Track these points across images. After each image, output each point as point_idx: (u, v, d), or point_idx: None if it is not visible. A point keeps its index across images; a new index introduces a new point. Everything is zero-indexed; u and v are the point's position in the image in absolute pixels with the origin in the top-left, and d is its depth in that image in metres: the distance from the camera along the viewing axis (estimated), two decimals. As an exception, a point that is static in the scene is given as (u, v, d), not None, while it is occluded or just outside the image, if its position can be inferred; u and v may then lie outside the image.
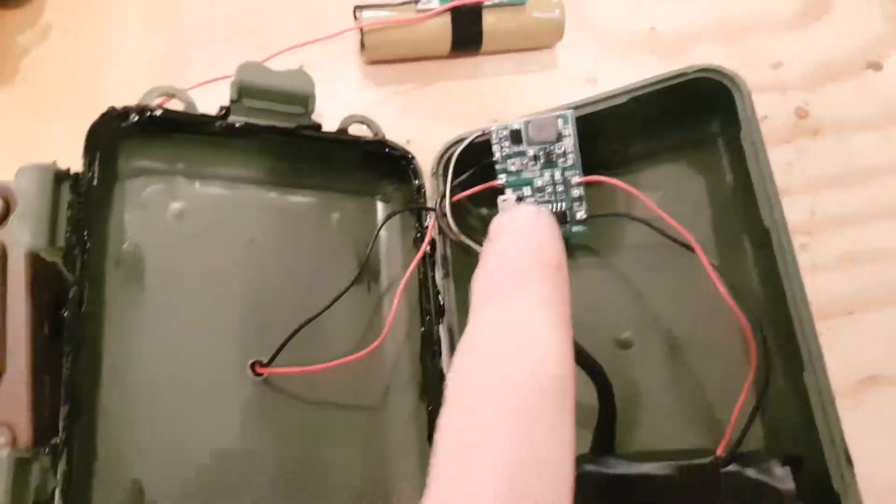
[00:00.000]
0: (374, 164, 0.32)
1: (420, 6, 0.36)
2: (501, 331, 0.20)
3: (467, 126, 0.32)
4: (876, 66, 0.40)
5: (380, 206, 0.33)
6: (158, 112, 0.28)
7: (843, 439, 0.23)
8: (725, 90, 0.28)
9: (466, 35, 0.37)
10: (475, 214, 0.33)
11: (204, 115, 0.29)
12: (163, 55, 0.38)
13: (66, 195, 0.26)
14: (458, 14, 0.36)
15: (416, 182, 0.32)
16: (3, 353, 0.24)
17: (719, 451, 0.24)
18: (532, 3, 0.37)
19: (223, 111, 0.29)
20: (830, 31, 0.41)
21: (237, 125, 0.29)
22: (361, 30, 0.36)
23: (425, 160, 0.32)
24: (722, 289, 0.25)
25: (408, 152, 0.32)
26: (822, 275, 0.35)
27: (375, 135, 0.32)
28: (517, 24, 0.37)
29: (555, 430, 0.18)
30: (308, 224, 0.31)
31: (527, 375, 0.19)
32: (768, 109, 0.38)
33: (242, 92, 0.29)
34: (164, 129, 0.29)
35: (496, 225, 0.25)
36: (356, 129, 0.32)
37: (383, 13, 0.36)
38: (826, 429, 0.23)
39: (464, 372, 0.20)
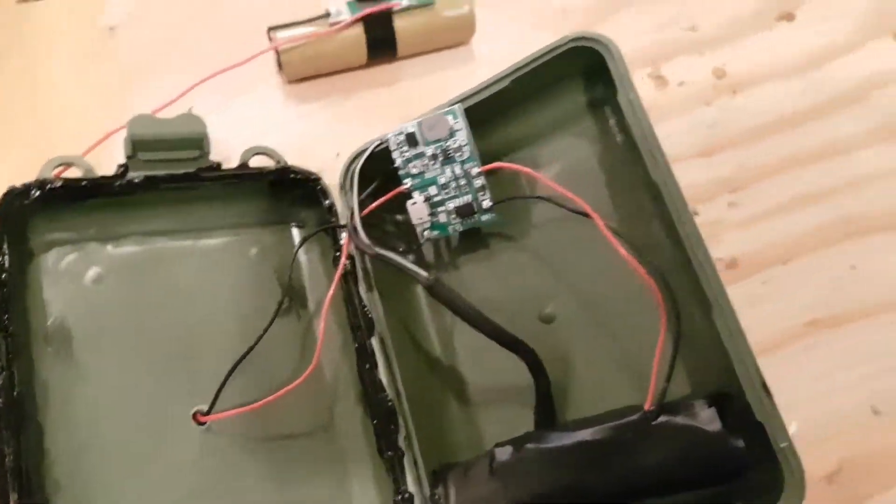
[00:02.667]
0: (284, 191, 0.33)
1: (332, 19, 0.37)
2: None
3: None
4: (788, 17, 0.41)
5: (296, 232, 0.33)
6: (58, 183, 0.29)
7: (757, 370, 0.24)
8: (599, 56, 0.28)
9: (380, 41, 0.38)
10: (391, 221, 0.34)
11: (103, 178, 0.29)
12: (96, 96, 0.38)
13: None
14: (369, 22, 0.37)
15: (327, 202, 0.32)
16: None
17: (647, 406, 0.25)
18: (441, 3, 0.38)
19: (121, 170, 0.29)
20: None
21: (136, 181, 0.29)
22: (277, 50, 0.37)
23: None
24: (620, 249, 0.25)
25: (312, 174, 0.32)
26: (756, 227, 0.36)
27: (278, 163, 0.32)
28: (428, 24, 0.38)
29: None
30: (228, 264, 0.32)
31: None
32: (687, 74, 0.39)
33: (136, 146, 0.29)
34: (67, 199, 0.30)
35: None
36: (261, 160, 0.33)
37: (297, 31, 0.37)
38: (740, 362, 0.24)
39: None
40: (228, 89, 0.37)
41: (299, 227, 0.33)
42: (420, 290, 0.33)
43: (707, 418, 0.24)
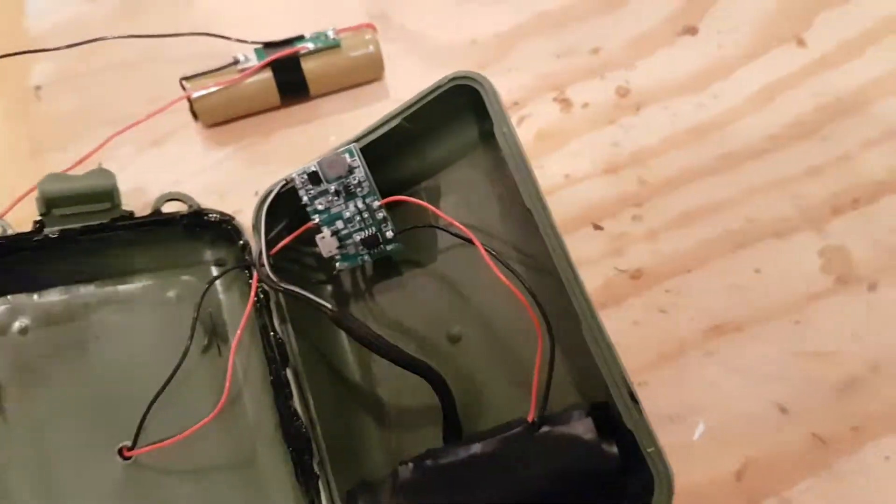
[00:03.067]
0: (200, 233, 0.34)
1: (240, 66, 0.39)
2: None
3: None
4: (692, 31, 0.42)
5: (214, 270, 0.35)
6: (-22, 243, 0.31)
7: (624, 379, 0.25)
8: (476, 92, 0.30)
9: (291, 84, 0.39)
10: (311, 254, 0.35)
11: (20, 234, 0.31)
12: (16, 157, 0.39)
13: None
14: (277, 67, 0.39)
15: (241, 242, 0.34)
16: None
17: (530, 417, 0.26)
18: (346, 44, 0.39)
19: (37, 226, 0.31)
20: (641, 5, 0.43)
21: (52, 236, 0.31)
22: (189, 98, 0.38)
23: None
24: (497, 271, 0.27)
25: (226, 215, 0.34)
26: (659, 239, 0.37)
27: (190, 207, 0.34)
28: (336, 65, 0.39)
29: None
30: (147, 308, 0.33)
31: None
32: (590, 96, 0.41)
33: (49, 203, 0.31)
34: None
35: None
36: (175, 206, 0.34)
37: (207, 80, 0.38)
38: (608, 373, 0.25)
39: None
40: (147, 140, 0.39)
41: (218, 265, 0.35)
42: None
43: (583, 427, 0.26)
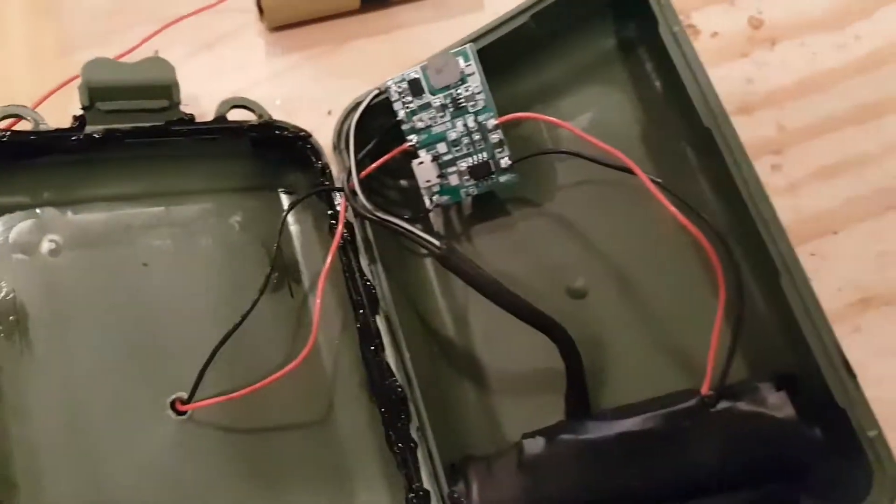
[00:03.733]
0: (268, 151, 0.29)
1: None
2: None
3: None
4: None
5: (284, 198, 0.29)
6: (4, 137, 0.25)
7: (838, 348, 0.20)
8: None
9: None
10: (392, 187, 0.30)
11: (57, 130, 0.25)
12: (47, 47, 0.33)
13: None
14: None
15: (319, 163, 0.28)
16: None
17: (704, 390, 0.21)
18: None
19: (77, 122, 0.25)
20: None
21: (96, 135, 0.25)
22: None
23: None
24: (670, 207, 0.22)
25: (301, 131, 0.28)
26: (801, 194, 0.32)
27: (260, 117, 0.28)
28: None
29: None
30: (206, 234, 0.27)
31: None
32: (718, 24, 0.35)
33: (94, 95, 0.25)
34: (16, 156, 0.25)
35: None
36: (241, 114, 0.28)
37: None
38: (817, 339, 0.20)
39: None
40: (200, 37, 0.33)
41: (288, 192, 0.29)
42: (428, 263, 0.29)
43: (776, 403, 0.21)
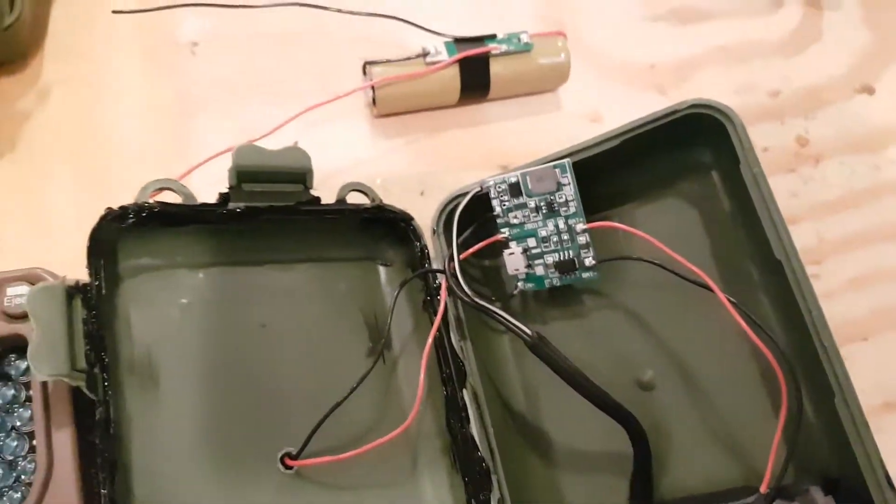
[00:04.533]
0: (373, 227, 0.32)
1: (429, 59, 0.36)
2: None
3: (478, 173, 0.32)
4: (868, 90, 0.41)
5: (381, 269, 0.33)
6: (157, 208, 0.28)
7: (881, 462, 0.23)
8: (718, 123, 0.28)
9: (474, 84, 0.37)
10: (476, 265, 0.33)
11: (204, 205, 0.28)
12: (167, 113, 0.37)
13: (79, 311, 0.25)
14: (466, 65, 0.36)
15: (419, 244, 0.31)
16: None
17: (763, 488, 0.25)
18: (538, 50, 0.37)
19: (222, 199, 0.29)
20: (821, 57, 0.41)
21: (238, 211, 0.28)
22: (373, 86, 0.36)
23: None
24: (744, 324, 0.25)
25: (406, 214, 0.32)
26: (835, 301, 0.35)
27: (372, 201, 0.32)
28: (524, 70, 0.37)
29: None
30: (316, 298, 0.31)
31: None
32: (769, 140, 0.39)
33: (241, 177, 0.28)
34: (161, 224, 0.28)
35: None
36: (355, 196, 0.32)
37: (393, 69, 0.36)
38: (863, 453, 0.23)
39: None
40: (314, 120, 0.36)
41: (384, 265, 0.33)
42: (508, 342, 0.32)
43: (825, 505, 0.24)
